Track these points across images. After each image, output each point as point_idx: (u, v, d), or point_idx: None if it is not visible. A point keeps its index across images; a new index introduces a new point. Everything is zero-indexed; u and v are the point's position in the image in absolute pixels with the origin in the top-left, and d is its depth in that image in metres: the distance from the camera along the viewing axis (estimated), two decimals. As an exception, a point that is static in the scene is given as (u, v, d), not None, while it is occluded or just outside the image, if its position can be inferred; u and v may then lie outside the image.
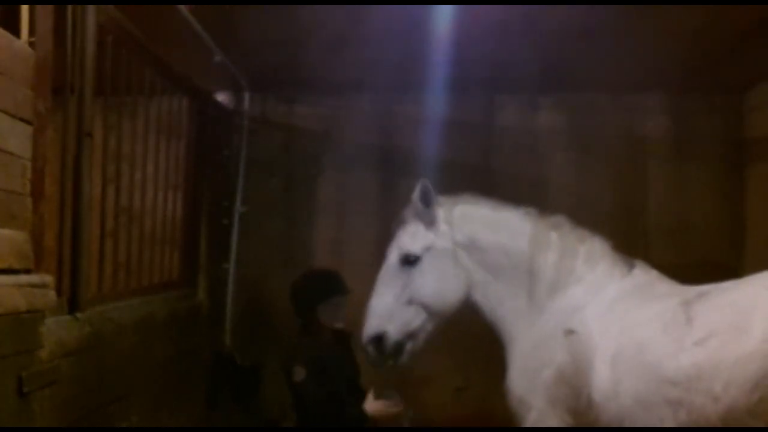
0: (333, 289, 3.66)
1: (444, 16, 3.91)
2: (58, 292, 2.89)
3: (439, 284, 3.26)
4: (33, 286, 2.54)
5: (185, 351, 4.56)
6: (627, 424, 2.68)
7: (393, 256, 3.35)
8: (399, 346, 3.29)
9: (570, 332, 2.96)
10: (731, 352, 2.48)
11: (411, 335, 3.29)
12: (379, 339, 3.28)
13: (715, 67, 4.80)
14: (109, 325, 3.33)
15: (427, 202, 3.30)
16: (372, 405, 3.40)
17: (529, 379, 3.06)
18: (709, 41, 4.30)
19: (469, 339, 5.28)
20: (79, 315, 3.05)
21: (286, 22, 4.12)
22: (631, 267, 3.13)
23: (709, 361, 2.52)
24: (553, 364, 2.96)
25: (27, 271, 2.56)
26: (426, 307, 3.27)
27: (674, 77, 5.08)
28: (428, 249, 3.28)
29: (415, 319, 3.28)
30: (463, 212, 3.31)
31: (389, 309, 3.27)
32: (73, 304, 3.06)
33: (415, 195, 3.29)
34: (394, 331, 3.27)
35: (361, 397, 3.53)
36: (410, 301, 3.27)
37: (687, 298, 2.78)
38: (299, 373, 3.44)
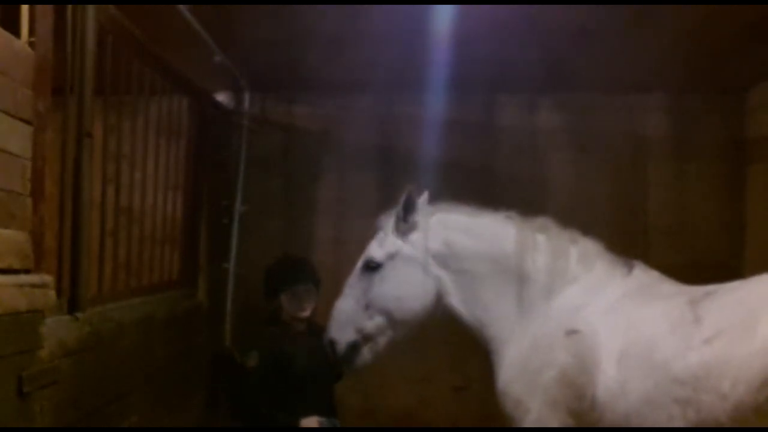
0: (297, 278, 3.62)
1: (444, 16, 3.91)
2: (58, 292, 2.89)
3: (398, 291, 3.27)
4: (33, 286, 2.54)
5: (185, 351, 4.56)
6: (634, 424, 2.66)
7: (360, 261, 3.39)
8: (351, 350, 3.34)
9: (573, 332, 2.95)
10: (739, 350, 2.46)
11: (367, 338, 3.32)
12: (332, 345, 3.36)
13: (715, 67, 4.80)
14: (109, 325, 3.33)
15: (408, 209, 3.30)
16: (307, 420, 3.41)
17: (528, 382, 3.03)
18: (709, 41, 4.30)
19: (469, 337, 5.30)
20: (79, 315, 3.05)
21: (286, 22, 4.12)
22: (631, 267, 3.12)
23: (718, 359, 2.50)
24: (555, 366, 2.94)
25: (27, 271, 2.56)
26: (385, 313, 3.28)
27: (674, 77, 5.09)
28: (392, 256, 3.29)
29: (370, 323, 3.30)
30: (441, 220, 3.30)
31: (348, 313, 3.34)
32: (73, 304, 3.05)
33: (400, 201, 3.29)
34: (346, 336, 3.32)
35: (322, 392, 3.55)
36: (368, 306, 3.30)
37: (694, 298, 2.76)
38: (252, 359, 3.47)
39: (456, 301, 3.25)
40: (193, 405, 4.77)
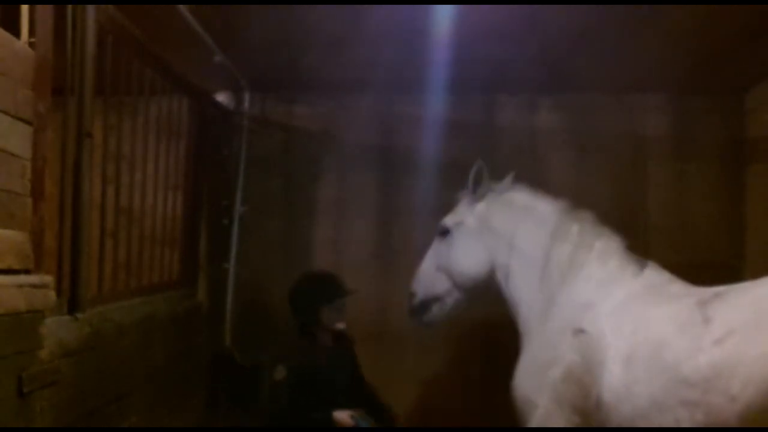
0: (337, 292, 3.74)
1: (444, 17, 3.91)
2: (58, 292, 2.89)
3: (461, 257, 3.58)
4: (33, 286, 2.54)
5: (185, 351, 4.56)
6: (640, 425, 2.63)
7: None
8: (423, 306, 3.72)
9: (580, 332, 2.94)
10: (750, 351, 2.41)
11: (437, 298, 3.68)
12: (411, 296, 3.75)
13: (715, 67, 4.80)
14: (109, 325, 3.33)
15: (476, 182, 3.59)
16: (340, 413, 3.47)
17: (536, 378, 3.05)
18: (709, 41, 4.30)
19: (474, 336, 5.30)
20: (79, 315, 3.05)
21: (286, 22, 4.12)
22: (643, 267, 3.11)
23: (728, 360, 2.44)
24: (562, 363, 2.94)
25: (27, 272, 2.56)
26: (450, 276, 3.62)
27: (674, 77, 5.08)
28: (459, 224, 3.61)
29: (441, 284, 3.65)
30: (506, 199, 3.55)
31: (426, 272, 3.72)
32: (73, 304, 3.05)
33: (470, 175, 3.60)
34: (420, 292, 3.72)
35: (350, 402, 3.61)
36: (439, 268, 3.66)
37: (703, 299, 2.72)
38: (279, 372, 3.52)
39: (501, 276, 3.47)
40: (193, 405, 4.77)
